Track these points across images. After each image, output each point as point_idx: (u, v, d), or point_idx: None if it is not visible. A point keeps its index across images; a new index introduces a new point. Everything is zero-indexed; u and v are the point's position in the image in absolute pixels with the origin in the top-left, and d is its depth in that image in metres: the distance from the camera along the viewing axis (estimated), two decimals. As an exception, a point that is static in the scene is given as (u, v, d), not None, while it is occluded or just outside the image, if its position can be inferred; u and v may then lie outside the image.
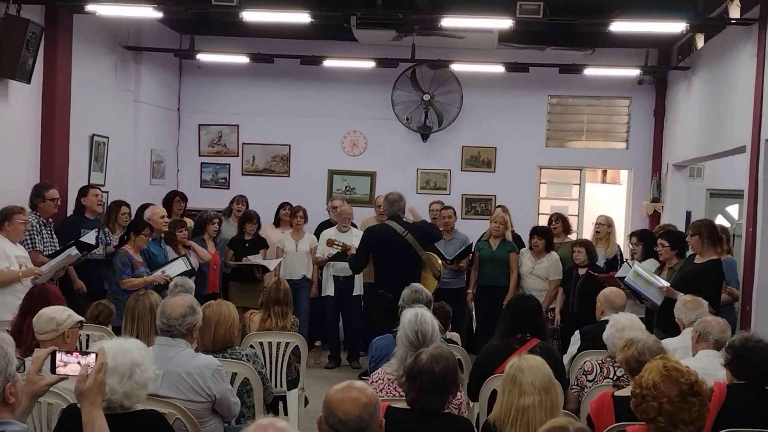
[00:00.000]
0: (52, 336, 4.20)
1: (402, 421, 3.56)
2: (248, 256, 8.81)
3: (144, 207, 8.51)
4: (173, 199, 9.25)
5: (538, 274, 8.32)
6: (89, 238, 7.14)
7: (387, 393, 4.33)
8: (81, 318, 4.46)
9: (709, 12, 8.56)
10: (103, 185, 8.97)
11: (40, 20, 7.76)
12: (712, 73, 9.09)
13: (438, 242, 8.71)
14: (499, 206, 9.72)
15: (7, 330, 4.32)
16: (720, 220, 11.19)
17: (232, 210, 9.49)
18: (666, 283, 6.69)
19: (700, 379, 3.32)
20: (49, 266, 6.69)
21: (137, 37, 10.00)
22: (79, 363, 2.98)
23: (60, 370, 3.00)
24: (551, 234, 8.53)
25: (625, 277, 6.91)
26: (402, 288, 5.78)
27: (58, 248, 7.13)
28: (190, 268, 7.53)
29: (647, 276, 6.82)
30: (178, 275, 7.04)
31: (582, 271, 7.80)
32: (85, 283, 7.41)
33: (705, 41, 9.55)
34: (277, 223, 9.57)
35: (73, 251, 6.83)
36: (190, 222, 8.82)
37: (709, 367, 4.32)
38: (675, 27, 8.14)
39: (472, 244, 8.78)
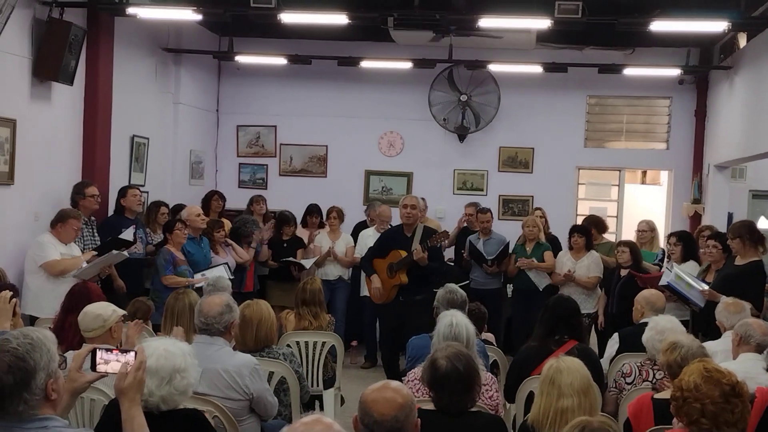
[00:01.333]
0: (99, 332, 4.26)
1: (432, 423, 3.53)
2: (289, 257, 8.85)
3: (177, 207, 8.63)
4: (211, 198, 9.30)
5: (579, 274, 8.24)
6: (127, 234, 7.27)
7: (422, 394, 4.33)
8: (124, 312, 4.54)
9: (752, 11, 8.42)
10: (143, 185, 9.10)
11: (83, 23, 7.89)
12: (754, 72, 8.94)
13: (477, 242, 8.70)
14: (537, 209, 9.66)
15: (49, 327, 4.40)
16: (762, 222, 11.00)
17: (253, 212, 9.42)
18: (705, 287, 6.59)
19: (740, 380, 3.28)
20: (93, 263, 6.82)
21: (177, 40, 10.12)
22: (118, 361, 3.01)
23: (100, 368, 3.04)
24: (591, 232, 8.48)
25: (668, 283, 6.79)
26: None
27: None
28: (230, 278, 7.50)
29: (688, 279, 6.73)
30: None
31: (624, 272, 7.72)
32: (125, 283, 7.52)
33: (747, 40, 9.41)
34: (304, 224, 9.53)
35: (116, 252, 6.94)
36: (227, 223, 8.88)
37: (752, 371, 4.25)
38: (717, 26, 8.01)
39: (509, 243, 8.75)
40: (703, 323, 6.54)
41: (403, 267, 7.30)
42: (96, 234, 7.52)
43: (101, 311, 4.35)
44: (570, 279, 8.11)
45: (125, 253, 7.09)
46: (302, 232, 9.37)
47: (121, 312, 4.47)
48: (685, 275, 6.76)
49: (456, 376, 3.59)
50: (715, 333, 5.57)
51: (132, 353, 3.02)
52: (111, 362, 3.03)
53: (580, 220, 10.19)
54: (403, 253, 7.31)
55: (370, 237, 8.82)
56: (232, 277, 7.49)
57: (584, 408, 3.53)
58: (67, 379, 2.94)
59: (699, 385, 3.24)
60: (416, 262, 7.21)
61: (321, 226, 9.37)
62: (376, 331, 9.12)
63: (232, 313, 4.36)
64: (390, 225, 9.02)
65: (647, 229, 8.56)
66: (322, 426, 2.28)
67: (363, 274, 9.02)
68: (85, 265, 6.72)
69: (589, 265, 8.23)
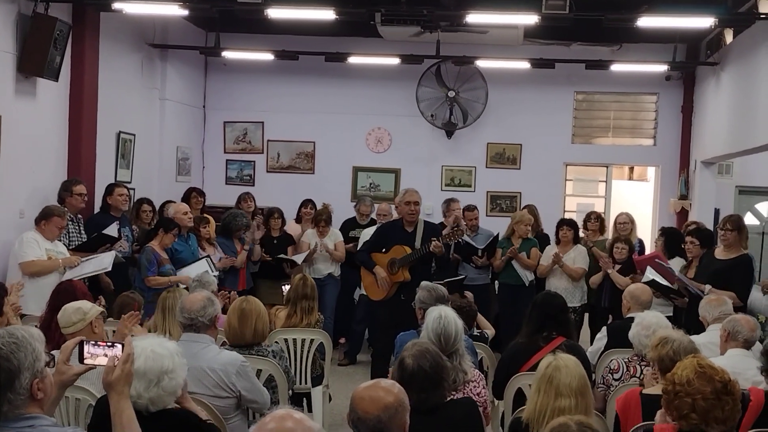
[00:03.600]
0: (80, 326, 4.24)
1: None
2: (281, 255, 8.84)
3: (165, 204, 8.58)
4: (190, 195, 9.24)
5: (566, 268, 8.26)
6: (111, 230, 7.23)
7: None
8: (102, 309, 4.52)
9: (738, 6, 8.45)
10: (129, 182, 9.06)
11: (68, 18, 7.83)
12: (741, 68, 8.98)
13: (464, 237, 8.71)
14: (529, 205, 9.62)
15: (36, 326, 4.37)
16: (749, 218, 11.06)
17: (241, 209, 9.40)
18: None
19: (733, 379, 3.29)
20: (82, 274, 6.72)
21: (163, 35, 10.07)
22: (105, 355, 2.99)
23: (88, 361, 3.02)
24: (578, 227, 8.52)
25: (651, 279, 6.84)
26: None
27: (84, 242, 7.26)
28: (214, 272, 7.42)
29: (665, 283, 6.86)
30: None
31: (617, 267, 7.81)
32: (112, 281, 7.47)
33: (734, 36, 9.44)
34: (299, 220, 9.54)
35: (107, 258, 6.88)
36: (212, 219, 8.84)
37: (739, 366, 4.26)
38: (703, 22, 8.04)
39: (498, 234, 8.76)
40: (685, 318, 6.61)
41: (407, 263, 7.08)
42: (83, 231, 7.47)
43: (81, 305, 4.34)
44: (558, 262, 8.13)
45: (115, 254, 6.99)
46: (296, 227, 9.34)
47: (100, 308, 4.45)
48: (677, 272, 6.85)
49: (422, 375, 3.58)
50: (698, 328, 5.61)
51: (119, 346, 3.00)
52: (98, 356, 3.01)
53: (568, 216, 10.22)
54: (408, 250, 7.10)
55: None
56: (215, 273, 7.45)
57: (580, 409, 3.50)
58: (54, 371, 2.92)
59: (692, 380, 3.23)
60: (421, 259, 7.07)
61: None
62: (365, 331, 9.10)
63: (214, 306, 4.36)
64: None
65: (628, 221, 8.63)
66: (293, 421, 2.26)
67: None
68: (69, 273, 6.62)
69: (575, 258, 8.28)
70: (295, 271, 8.61)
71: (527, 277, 8.40)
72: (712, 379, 3.24)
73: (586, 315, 8.47)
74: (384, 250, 7.25)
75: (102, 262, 6.90)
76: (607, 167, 11.58)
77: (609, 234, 9.03)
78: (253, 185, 11.28)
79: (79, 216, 7.50)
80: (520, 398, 4.71)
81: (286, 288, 6.79)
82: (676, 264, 7.31)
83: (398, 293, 7.13)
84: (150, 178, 9.84)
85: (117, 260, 7.03)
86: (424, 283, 5.65)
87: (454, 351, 4.27)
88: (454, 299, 5.93)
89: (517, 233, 8.57)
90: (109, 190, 7.90)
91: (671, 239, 7.71)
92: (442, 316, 4.42)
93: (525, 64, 10.22)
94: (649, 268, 6.99)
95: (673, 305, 7.09)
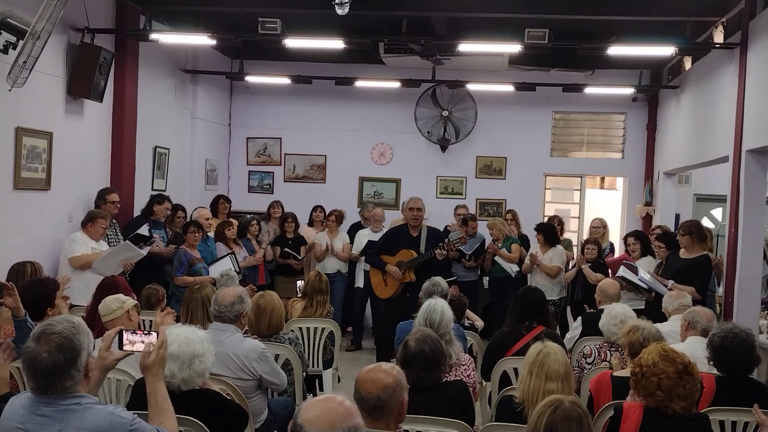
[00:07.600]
0: (119, 314, 4.23)
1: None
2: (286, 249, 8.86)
3: (195, 209, 8.62)
4: (218, 202, 9.27)
5: (543, 263, 8.24)
6: (143, 230, 7.23)
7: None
8: (137, 302, 4.51)
9: (696, 37, 8.46)
10: (164, 190, 9.05)
11: (111, 47, 7.84)
12: (698, 91, 8.96)
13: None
14: (509, 211, 9.67)
15: (82, 316, 4.36)
16: (705, 222, 11.03)
17: (271, 215, 9.44)
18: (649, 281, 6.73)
19: (692, 362, 3.30)
20: (107, 254, 6.72)
21: (194, 62, 10.07)
22: (142, 342, 3.01)
23: (126, 347, 3.03)
24: (551, 229, 8.49)
25: (621, 276, 6.84)
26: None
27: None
28: (237, 269, 7.42)
29: (641, 277, 6.85)
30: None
31: (588, 265, 7.79)
32: (149, 278, 7.39)
33: (692, 63, 9.43)
34: (311, 223, 9.56)
35: (131, 245, 6.85)
36: (236, 222, 8.86)
37: (697, 352, 4.24)
38: (665, 51, 8.06)
39: (485, 240, 8.77)
40: (653, 311, 6.59)
41: (412, 266, 6.94)
42: (119, 234, 7.48)
43: (119, 296, 4.35)
44: (534, 261, 8.12)
45: (143, 251, 6.97)
46: (309, 231, 9.34)
47: (135, 301, 4.45)
48: (642, 273, 6.84)
49: (422, 356, 3.60)
50: (663, 319, 5.60)
51: (154, 334, 3.02)
52: (136, 343, 3.02)
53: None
54: (414, 254, 6.96)
55: (366, 237, 8.76)
56: (238, 270, 7.44)
57: (565, 392, 3.51)
58: (97, 357, 2.93)
59: (657, 362, 3.26)
60: (427, 262, 6.91)
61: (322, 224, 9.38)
62: (366, 319, 9.12)
63: (243, 304, 4.34)
64: (383, 226, 8.97)
65: (600, 225, 8.63)
66: (335, 403, 2.28)
67: (357, 267, 9.00)
68: (99, 264, 6.59)
69: (552, 257, 8.27)
70: (308, 268, 8.64)
71: (512, 269, 8.38)
72: (674, 361, 3.26)
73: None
74: (391, 253, 7.09)
75: (126, 250, 6.85)
76: (581, 177, 11.56)
77: (584, 236, 8.99)
78: (272, 193, 11.27)
79: (114, 220, 7.50)
80: (505, 379, 4.71)
81: (299, 283, 6.79)
82: (647, 262, 7.30)
83: (404, 292, 6.98)
84: (182, 187, 9.83)
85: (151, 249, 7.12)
86: (432, 278, 5.62)
87: (442, 335, 4.25)
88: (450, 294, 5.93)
89: (493, 236, 8.61)
90: (159, 200, 7.87)
91: (644, 241, 7.72)
92: (431, 305, 4.49)
93: (509, 88, 10.20)
94: (622, 267, 6.99)
95: (644, 300, 7.07)
